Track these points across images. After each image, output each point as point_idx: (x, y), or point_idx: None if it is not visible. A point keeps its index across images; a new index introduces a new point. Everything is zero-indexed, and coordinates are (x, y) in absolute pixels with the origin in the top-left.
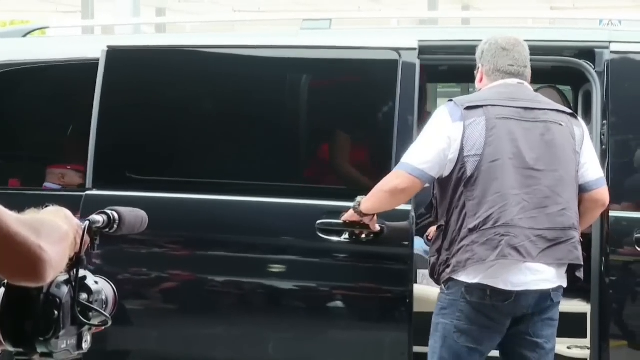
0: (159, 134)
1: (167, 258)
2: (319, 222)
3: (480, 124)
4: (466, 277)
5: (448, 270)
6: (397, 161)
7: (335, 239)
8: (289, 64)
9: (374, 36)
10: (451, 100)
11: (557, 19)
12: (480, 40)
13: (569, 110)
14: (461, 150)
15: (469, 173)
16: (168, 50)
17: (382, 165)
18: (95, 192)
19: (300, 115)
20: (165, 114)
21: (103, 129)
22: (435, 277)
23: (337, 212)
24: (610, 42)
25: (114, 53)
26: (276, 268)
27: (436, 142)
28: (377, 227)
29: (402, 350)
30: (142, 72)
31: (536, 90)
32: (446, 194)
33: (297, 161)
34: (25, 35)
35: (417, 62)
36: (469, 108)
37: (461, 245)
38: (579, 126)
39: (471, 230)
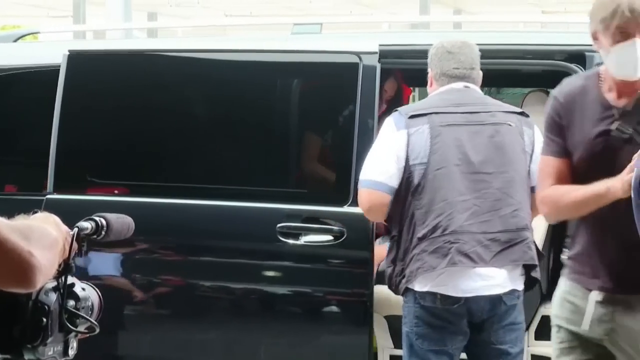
0: (120, 138)
1: (128, 261)
2: (279, 225)
3: (424, 132)
4: (418, 285)
5: (404, 280)
6: (358, 163)
7: (296, 242)
8: (251, 67)
9: (337, 40)
10: (397, 110)
11: (548, 23)
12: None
13: (519, 110)
14: (407, 159)
15: (415, 182)
16: (128, 54)
17: (343, 167)
18: (56, 195)
19: (262, 118)
20: (126, 118)
21: (64, 133)
22: (393, 288)
23: (298, 216)
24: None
25: (74, 57)
26: (237, 271)
27: (385, 152)
28: None
29: (362, 352)
30: (102, 76)
31: (526, 94)
32: (397, 204)
33: (259, 164)
34: (16, 40)
35: (378, 66)
36: (412, 117)
37: (412, 255)
38: (530, 126)
39: (420, 239)
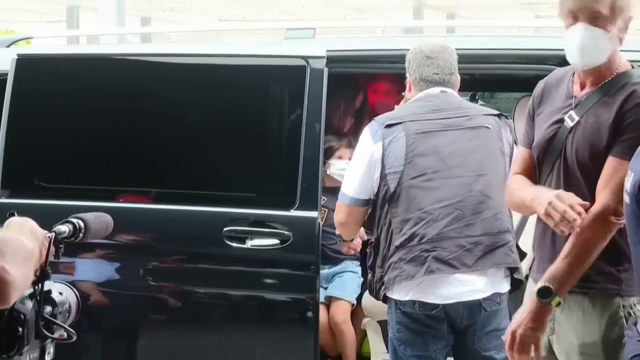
0: (68, 142)
1: (72, 267)
2: (226, 229)
3: (400, 140)
4: (397, 294)
5: (382, 287)
6: (305, 166)
7: (242, 245)
8: (197, 70)
9: (285, 45)
10: (374, 120)
11: (541, 28)
12: (387, 50)
13: (497, 112)
14: (382, 168)
15: (391, 190)
16: (75, 58)
17: (290, 171)
18: (2, 200)
19: (209, 122)
20: (74, 122)
21: (11, 137)
22: (373, 294)
23: (245, 219)
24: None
25: (23, 61)
26: (183, 274)
27: (361, 165)
28: (357, 245)
29: (308, 356)
30: (51, 80)
31: (520, 99)
32: (375, 211)
33: (205, 168)
34: (9, 46)
35: (325, 70)
36: (388, 126)
37: (390, 262)
38: (509, 128)
39: (398, 247)
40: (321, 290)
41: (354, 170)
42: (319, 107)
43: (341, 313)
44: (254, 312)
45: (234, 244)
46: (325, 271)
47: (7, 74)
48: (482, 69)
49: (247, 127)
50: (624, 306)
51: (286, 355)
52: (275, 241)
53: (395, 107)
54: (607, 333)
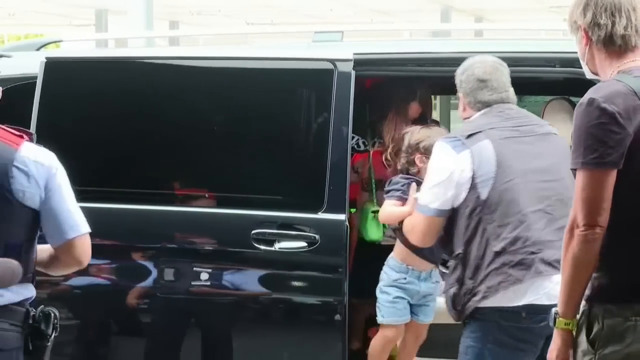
0: (98, 144)
1: (102, 268)
2: (254, 231)
3: (487, 147)
4: (500, 301)
5: (476, 298)
6: (332, 169)
7: (270, 248)
8: (225, 74)
9: (313, 48)
10: (447, 137)
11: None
12: (415, 53)
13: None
14: (473, 177)
15: (483, 197)
16: (104, 61)
17: (317, 173)
18: None
19: (237, 125)
20: (103, 124)
21: (41, 139)
22: (459, 308)
23: (273, 222)
24: None
25: (52, 64)
26: (213, 278)
27: (443, 177)
28: None
29: (337, 359)
30: (79, 83)
31: (548, 102)
32: (460, 223)
33: (234, 171)
34: (39, 49)
35: (353, 73)
36: (470, 136)
37: (489, 270)
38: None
39: (498, 254)
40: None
41: (436, 183)
42: (347, 110)
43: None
44: (282, 315)
45: (262, 247)
46: (413, 287)
47: (36, 77)
48: (511, 72)
49: (275, 130)
50: (588, 310)
51: (314, 357)
52: (303, 244)
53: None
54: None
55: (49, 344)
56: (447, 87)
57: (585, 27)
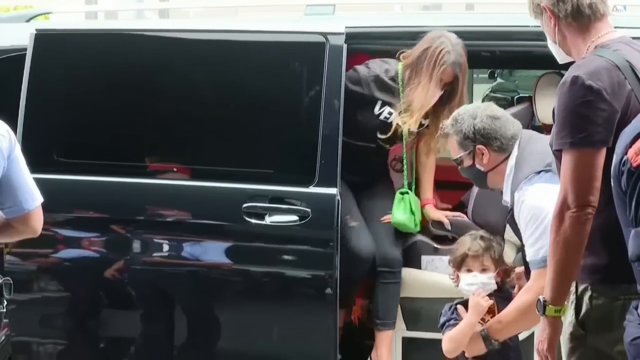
0: (87, 117)
1: (93, 241)
2: (245, 205)
3: None
4: None
5: None
6: (324, 143)
7: (261, 222)
8: (216, 47)
9: (304, 21)
10: (541, 175)
11: None
12: (407, 27)
13: None
14: None
15: None
16: (94, 34)
17: (309, 147)
18: None
19: (228, 98)
20: (92, 97)
21: (30, 112)
22: None
23: (264, 196)
24: (615, 27)
25: (42, 36)
26: (203, 251)
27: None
28: None
29: (328, 333)
30: (69, 55)
31: (540, 77)
32: None
33: (224, 144)
34: (28, 20)
35: (344, 47)
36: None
37: None
38: None
39: None
40: None
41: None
42: (338, 84)
43: None
44: (273, 289)
45: (253, 221)
46: None
47: (26, 49)
48: (502, 46)
49: (267, 103)
50: (575, 291)
51: (305, 332)
52: (294, 218)
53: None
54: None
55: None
56: None
57: (549, 6)
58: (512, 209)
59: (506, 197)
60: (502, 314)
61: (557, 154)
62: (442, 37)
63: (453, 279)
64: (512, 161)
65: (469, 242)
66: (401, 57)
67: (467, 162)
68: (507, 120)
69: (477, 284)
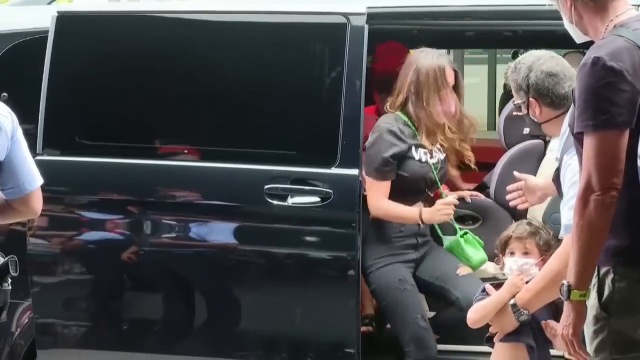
0: (109, 100)
1: (116, 223)
2: (267, 187)
3: None
4: None
5: None
6: (345, 124)
7: (283, 203)
8: (236, 28)
9: (326, 2)
10: None
11: None
12: (429, 6)
13: None
14: None
15: None
16: (116, 15)
17: (330, 129)
18: (45, 157)
19: (250, 80)
20: (115, 80)
21: (53, 94)
22: None
23: (286, 177)
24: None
25: (63, 19)
26: (225, 233)
27: None
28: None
29: (350, 314)
30: (91, 38)
31: (564, 56)
32: None
33: (246, 126)
34: (50, 3)
35: (366, 27)
36: None
37: None
38: None
39: None
40: None
41: None
42: (360, 65)
43: None
44: (295, 270)
45: (275, 202)
46: None
47: (47, 32)
48: (525, 25)
49: (288, 84)
50: (597, 274)
51: (327, 313)
52: (316, 199)
53: None
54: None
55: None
56: (461, 40)
57: None
58: (558, 168)
59: (557, 154)
60: (531, 283)
61: (579, 137)
62: (423, 52)
63: (499, 263)
64: (569, 119)
65: (514, 226)
66: (387, 107)
67: (523, 110)
68: (565, 77)
69: (517, 267)
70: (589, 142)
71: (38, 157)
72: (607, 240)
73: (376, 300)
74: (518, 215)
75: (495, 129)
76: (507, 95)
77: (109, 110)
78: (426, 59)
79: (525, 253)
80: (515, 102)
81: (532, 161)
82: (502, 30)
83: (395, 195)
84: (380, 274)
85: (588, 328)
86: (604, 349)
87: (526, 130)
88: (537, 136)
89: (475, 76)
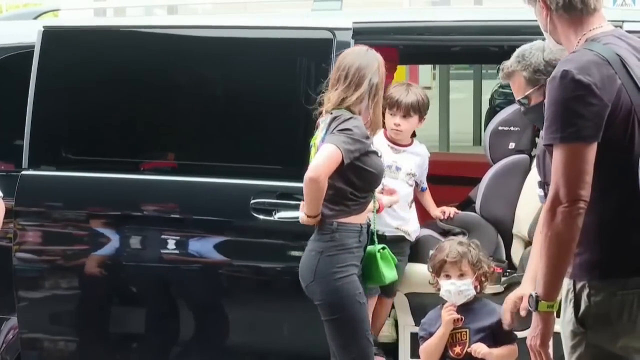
0: (95, 114)
1: (102, 238)
2: (252, 201)
3: None
4: None
5: None
6: None
7: (269, 218)
8: (222, 44)
9: (312, 17)
10: None
11: None
12: (415, 22)
13: None
14: None
15: None
16: (102, 30)
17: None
18: (31, 172)
19: (237, 95)
20: (100, 94)
21: (38, 109)
22: None
23: (272, 192)
24: (623, 21)
25: (49, 34)
26: (211, 248)
27: None
28: None
29: None
30: (77, 53)
31: None
32: None
33: (231, 140)
34: (36, 18)
35: (352, 42)
36: None
37: None
38: None
39: None
40: None
41: None
42: None
43: None
44: (282, 285)
45: (261, 217)
46: None
47: (33, 46)
48: (510, 40)
49: (274, 99)
50: (573, 289)
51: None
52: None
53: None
54: (562, 312)
55: None
56: (447, 56)
57: None
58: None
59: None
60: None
61: (548, 149)
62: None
63: (433, 284)
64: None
65: (447, 248)
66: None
67: (537, 99)
68: None
69: (454, 291)
70: (557, 154)
71: (24, 172)
72: (581, 255)
73: (326, 312)
74: (503, 229)
75: (481, 144)
76: (493, 111)
77: (95, 125)
78: (361, 49)
79: (461, 275)
80: (525, 94)
81: (518, 175)
82: (488, 45)
83: (362, 192)
84: (343, 285)
85: (566, 343)
86: None
87: (512, 145)
88: (522, 151)
89: (461, 92)
